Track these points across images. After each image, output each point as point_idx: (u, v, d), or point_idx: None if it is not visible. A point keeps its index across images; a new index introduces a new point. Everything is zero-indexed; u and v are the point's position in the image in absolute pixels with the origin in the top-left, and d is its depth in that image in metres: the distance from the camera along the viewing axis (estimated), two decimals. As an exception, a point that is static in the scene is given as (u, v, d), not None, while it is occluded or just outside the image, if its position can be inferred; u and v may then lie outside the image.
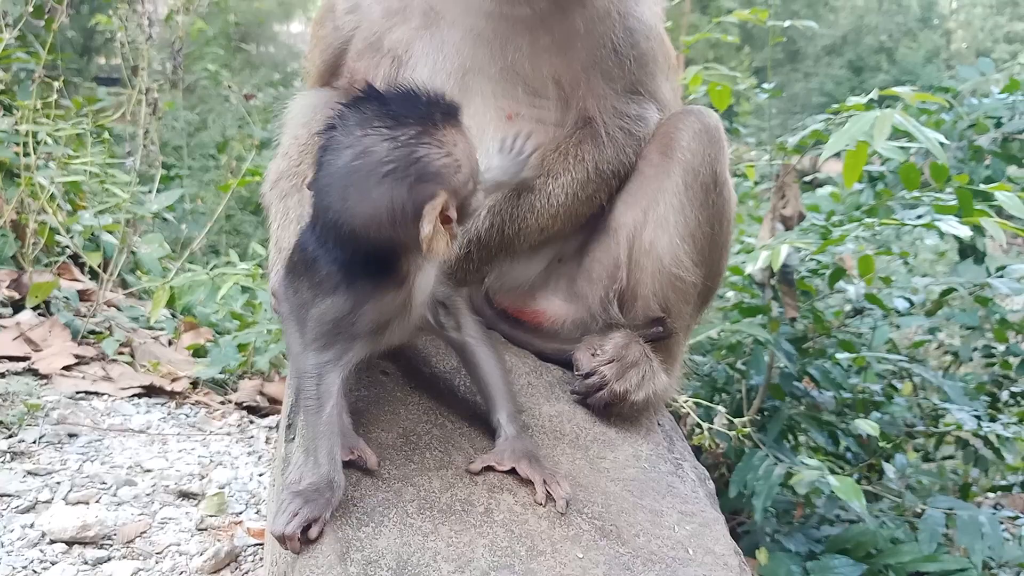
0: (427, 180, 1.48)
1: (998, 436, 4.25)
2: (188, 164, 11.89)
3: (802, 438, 4.57)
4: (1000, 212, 3.50)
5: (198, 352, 4.14)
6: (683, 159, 2.09)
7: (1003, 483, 5.53)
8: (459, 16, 2.13)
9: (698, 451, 3.62)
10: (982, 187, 3.56)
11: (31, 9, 4.32)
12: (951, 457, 5.35)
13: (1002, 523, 3.87)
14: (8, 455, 2.78)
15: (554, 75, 2.14)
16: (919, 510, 3.87)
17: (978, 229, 3.42)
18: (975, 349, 5.47)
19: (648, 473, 1.83)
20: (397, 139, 1.48)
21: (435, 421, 1.78)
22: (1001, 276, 4.41)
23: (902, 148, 3.60)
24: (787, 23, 4.07)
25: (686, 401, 3.17)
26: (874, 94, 3.58)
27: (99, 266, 4.47)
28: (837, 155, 3.30)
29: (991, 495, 5.85)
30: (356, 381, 1.79)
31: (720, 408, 3.22)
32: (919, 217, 3.68)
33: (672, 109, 2.29)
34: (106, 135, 5.25)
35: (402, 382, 1.85)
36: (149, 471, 2.84)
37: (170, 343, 4.31)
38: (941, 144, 6.69)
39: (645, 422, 2.04)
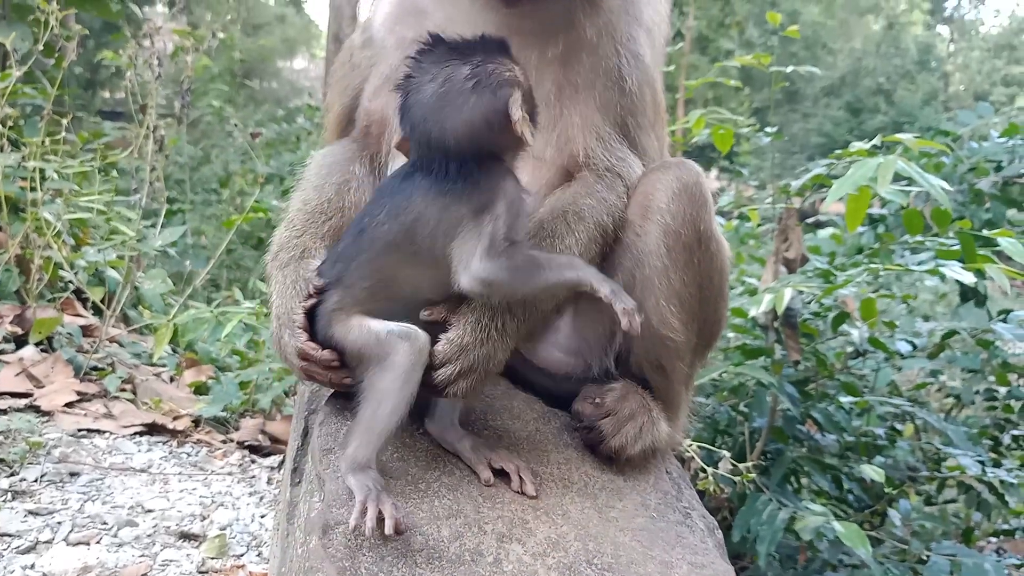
0: (504, 85, 1.76)
1: (1002, 482, 4.23)
2: (191, 198, 11.95)
3: (805, 481, 4.55)
4: (1000, 255, 3.51)
5: (200, 389, 4.13)
6: (662, 221, 2.05)
7: (1006, 527, 5.49)
8: (468, 31, 2.16)
9: (701, 494, 3.60)
10: (985, 232, 3.58)
11: (41, 48, 4.35)
12: (953, 501, 5.32)
13: (1007, 570, 3.84)
14: (9, 494, 2.77)
15: (555, 92, 2.13)
16: (924, 556, 3.84)
17: (979, 272, 3.42)
18: (977, 392, 5.46)
19: (657, 523, 1.82)
20: (471, 62, 1.77)
21: (443, 468, 1.77)
22: (1004, 320, 4.41)
23: (903, 192, 3.62)
24: (789, 69, 4.11)
25: (690, 445, 3.15)
26: (877, 140, 3.62)
27: (102, 301, 4.47)
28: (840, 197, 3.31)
29: (993, 539, 5.82)
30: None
31: (724, 453, 3.20)
32: (921, 263, 3.69)
33: (652, 160, 2.24)
34: (113, 172, 5.30)
35: (411, 428, 1.84)
36: (150, 511, 2.83)
37: (172, 380, 4.30)
38: (943, 189, 6.73)
39: (653, 470, 2.03)
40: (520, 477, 1.79)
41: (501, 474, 1.79)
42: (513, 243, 1.75)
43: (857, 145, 3.66)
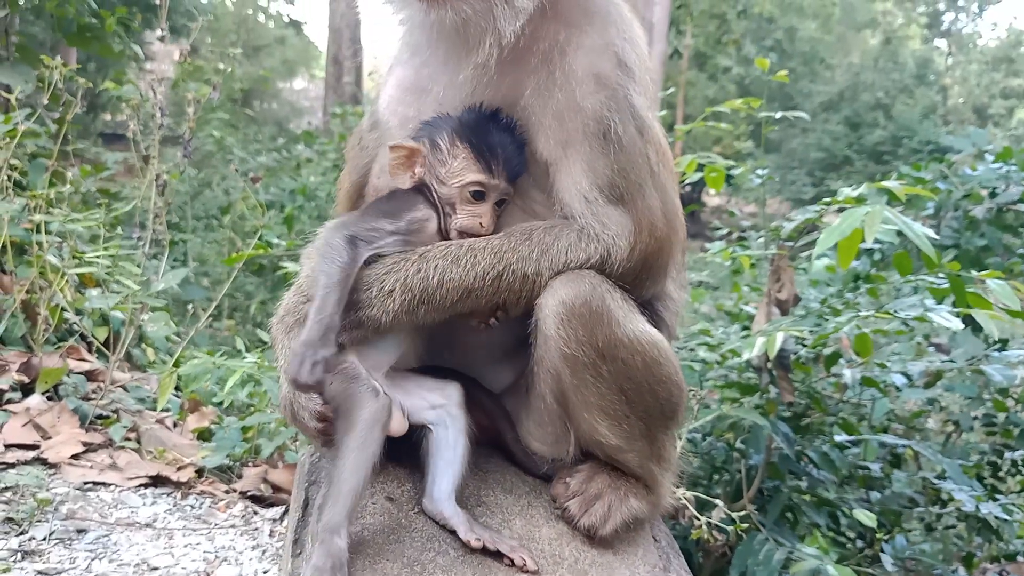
0: (423, 136, 2.17)
1: (996, 518, 4.28)
2: (192, 224, 12.05)
3: (802, 515, 4.60)
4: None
5: (203, 435, 4.19)
6: (558, 348, 2.02)
7: (1009, 550, 5.51)
8: (461, 102, 2.20)
9: (698, 540, 3.66)
10: (974, 274, 3.64)
11: (46, 101, 4.45)
12: (953, 527, 5.36)
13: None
14: (19, 554, 2.83)
15: (543, 155, 2.14)
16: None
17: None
18: (975, 418, 5.51)
19: (645, 598, 1.88)
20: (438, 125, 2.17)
21: (439, 548, 1.83)
22: (1000, 349, 4.46)
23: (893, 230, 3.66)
24: (779, 115, 4.18)
25: (684, 494, 3.21)
26: (864, 188, 3.70)
27: (105, 343, 4.54)
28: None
29: (996, 564, 5.84)
30: (361, 509, 1.85)
31: (718, 502, 3.26)
32: (912, 306, 3.75)
33: (656, 221, 2.19)
34: (116, 213, 5.39)
35: (406, 508, 1.91)
36: (156, 569, 2.88)
37: (175, 425, 4.37)
38: (938, 212, 6.77)
39: (641, 541, 2.09)
40: (521, 556, 1.86)
41: (496, 555, 1.85)
42: (346, 231, 2.03)
43: (845, 191, 3.75)
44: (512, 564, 1.83)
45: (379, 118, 2.43)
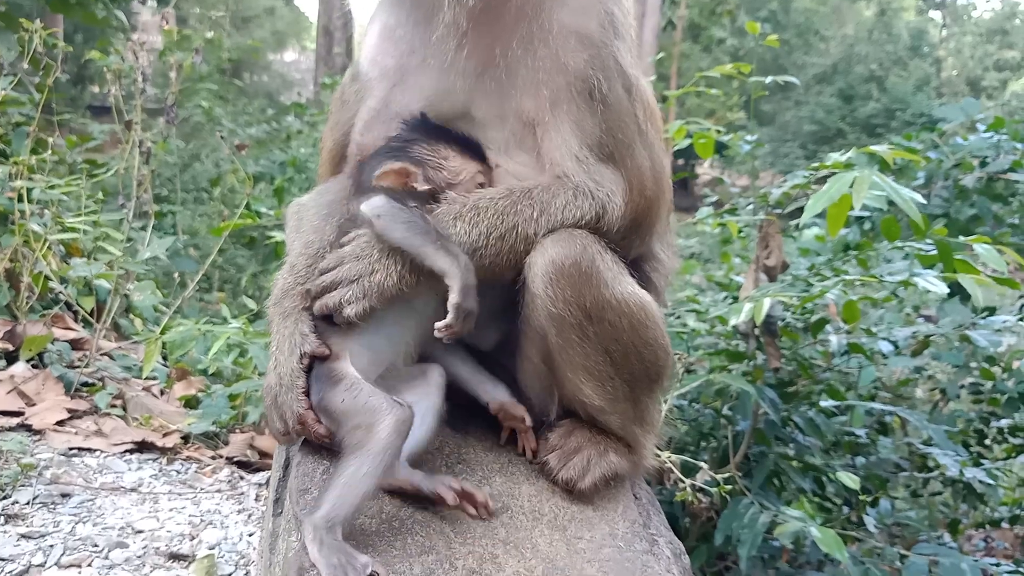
0: (398, 158, 2.12)
1: (981, 482, 4.32)
2: (181, 197, 11.98)
3: (787, 480, 4.62)
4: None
5: (190, 403, 4.17)
6: (544, 308, 2.00)
7: (993, 516, 5.56)
8: (441, 60, 2.16)
9: (683, 503, 3.68)
10: (962, 239, 3.63)
11: (26, 65, 4.39)
12: (939, 493, 5.41)
13: (984, 571, 3.91)
14: (2, 517, 2.82)
15: (529, 114, 2.11)
16: (903, 552, 3.92)
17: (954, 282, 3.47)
18: (962, 386, 5.54)
19: (624, 552, 1.88)
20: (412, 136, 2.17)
21: (417, 505, 1.83)
22: (987, 317, 4.47)
23: (882, 196, 3.65)
24: (768, 79, 4.16)
25: (669, 457, 3.22)
26: (852, 152, 3.68)
27: (91, 312, 4.51)
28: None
29: (981, 529, 5.91)
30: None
31: (702, 464, 3.27)
32: (896, 273, 3.74)
33: (646, 180, 2.17)
34: (100, 181, 5.33)
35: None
36: (140, 532, 2.88)
37: (162, 393, 4.35)
38: (928, 181, 6.76)
39: (622, 497, 2.09)
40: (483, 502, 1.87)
41: (464, 495, 1.84)
42: (413, 207, 2.03)
43: (834, 157, 3.73)
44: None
45: (360, 69, 2.38)
